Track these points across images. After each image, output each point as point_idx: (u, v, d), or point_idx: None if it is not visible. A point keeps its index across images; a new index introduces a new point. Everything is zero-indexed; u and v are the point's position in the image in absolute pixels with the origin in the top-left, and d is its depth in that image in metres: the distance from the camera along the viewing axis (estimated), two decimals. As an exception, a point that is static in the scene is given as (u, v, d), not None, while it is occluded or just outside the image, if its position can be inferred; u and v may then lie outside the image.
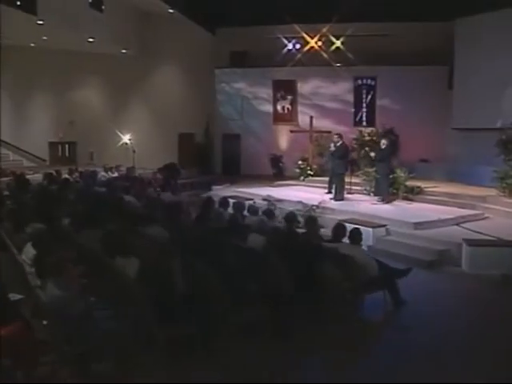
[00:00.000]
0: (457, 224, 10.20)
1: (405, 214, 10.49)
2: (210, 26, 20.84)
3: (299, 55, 19.94)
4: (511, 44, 16.37)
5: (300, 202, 11.28)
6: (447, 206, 12.04)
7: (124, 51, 20.84)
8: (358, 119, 20.25)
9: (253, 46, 20.05)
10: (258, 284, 5.08)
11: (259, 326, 4.96)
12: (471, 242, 8.29)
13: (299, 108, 20.71)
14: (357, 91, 20.22)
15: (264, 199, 12.16)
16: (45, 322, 4.21)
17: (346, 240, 6.57)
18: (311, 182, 16.66)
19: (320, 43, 19.84)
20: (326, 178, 16.95)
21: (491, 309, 6.47)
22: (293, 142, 20.13)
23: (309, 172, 17.36)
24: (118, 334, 4.29)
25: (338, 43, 19.63)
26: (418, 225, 9.60)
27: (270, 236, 6.01)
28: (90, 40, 18.22)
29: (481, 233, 9.41)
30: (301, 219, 10.80)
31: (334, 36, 19.62)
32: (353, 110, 20.25)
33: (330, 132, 18.16)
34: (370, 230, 9.35)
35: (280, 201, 11.94)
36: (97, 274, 4.80)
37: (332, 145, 12.62)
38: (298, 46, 20.16)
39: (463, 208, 11.79)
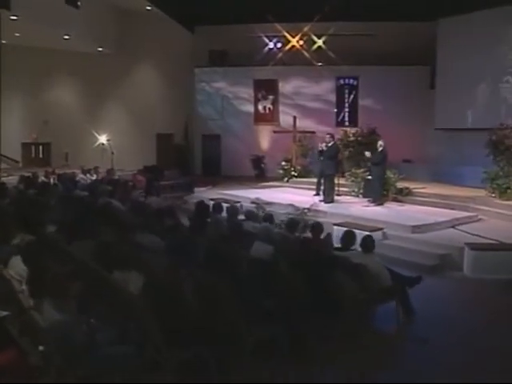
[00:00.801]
0: (452, 226, 10.00)
1: (400, 217, 10.25)
2: (189, 24, 20.38)
3: (280, 54, 19.69)
4: (493, 44, 16.41)
5: (291, 205, 10.92)
6: (438, 207, 11.87)
7: (100, 49, 20.21)
8: (340, 119, 20.09)
9: (233, 44, 19.65)
10: (270, 298, 4.69)
11: (274, 343, 4.58)
12: (474, 246, 8.06)
13: (281, 108, 20.42)
14: (339, 91, 20.04)
15: (252, 202, 11.76)
16: (41, 348, 3.76)
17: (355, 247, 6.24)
18: (296, 183, 16.35)
19: (302, 42, 19.62)
20: (311, 179, 16.80)
21: (505, 316, 6.22)
22: (274, 143, 19.81)
23: (293, 173, 17.06)
24: (123, 358, 3.86)
25: (319, 42, 19.43)
26: (415, 228, 9.34)
27: (278, 245, 5.61)
28: (66, 37, 17.56)
29: (479, 235, 9.21)
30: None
31: (316, 35, 19.43)
32: (335, 110, 20.06)
33: (313, 132, 18.00)
34: (367, 233, 9.01)
35: (269, 204, 11.54)
36: (96, 292, 4.35)
37: (323, 145, 12.28)
38: (279, 45, 19.89)
39: (454, 209, 11.63)
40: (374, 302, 5.48)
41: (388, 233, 9.32)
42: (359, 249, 6.20)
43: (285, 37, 19.65)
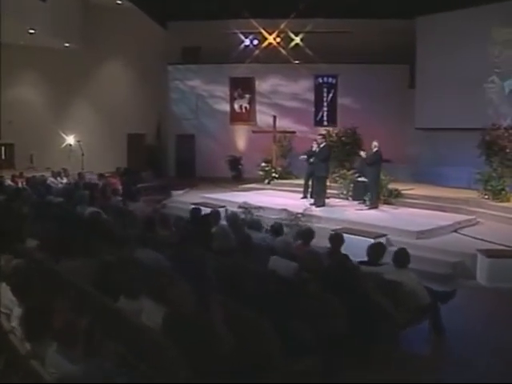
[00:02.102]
0: (455, 231, 9.58)
1: (399, 221, 9.75)
2: (162, 20, 19.56)
3: (257, 52, 19.12)
4: (475, 43, 16.21)
5: (285, 210, 10.29)
6: (431, 210, 11.48)
7: (67, 45, 19.14)
8: (318, 119, 19.62)
9: (207, 41, 18.96)
10: (306, 325, 4.06)
11: (312, 375, 3.95)
12: (490, 253, 7.60)
13: (257, 107, 19.83)
14: (317, 90, 19.59)
15: (240, 207, 11.06)
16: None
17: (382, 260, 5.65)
18: (278, 185, 15.76)
19: (279, 39, 19.13)
20: (293, 181, 16.28)
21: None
22: (252, 143, 19.20)
23: (274, 175, 16.43)
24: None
25: (297, 40, 18.99)
26: (420, 233, 8.86)
27: (302, 261, 4.95)
28: (31, 31, 16.49)
29: (484, 240, 8.80)
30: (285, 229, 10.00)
31: (293, 32, 18.99)
32: (313, 109, 19.57)
33: (294, 132, 17.45)
34: (372, 240, 8.46)
35: (258, 208, 10.88)
36: (105, 328, 3.62)
37: (315, 146, 11.70)
38: (255, 42, 19.35)
39: (447, 212, 11.25)
40: (411, 324, 4.90)
41: (392, 239, 8.79)
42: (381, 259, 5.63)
43: (261, 34, 19.11)
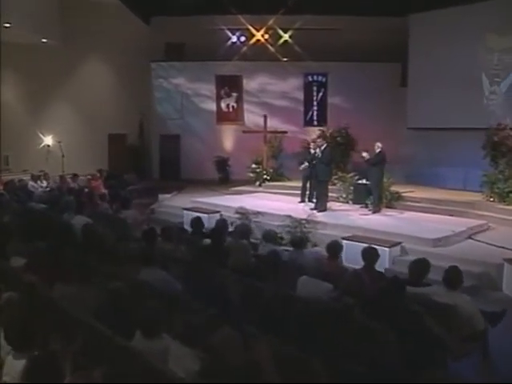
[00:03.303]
0: (469, 237, 9.04)
1: (412, 228, 9.14)
2: (145, 15, 18.71)
3: (244, 49, 18.45)
4: (466, 41, 15.82)
5: (289, 217, 9.61)
6: (438, 214, 10.96)
7: (45, 41, 18.14)
8: (308, 118, 19.05)
9: (192, 37, 18.24)
10: (356, 362, 3.40)
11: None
12: (520, 263, 7.06)
13: (245, 106, 19.16)
14: (307, 88, 19.01)
15: (237, 212, 10.37)
16: None
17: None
18: (270, 187, 15.11)
19: (267, 36, 18.50)
20: (285, 183, 15.67)
21: None
22: (239, 144, 18.51)
23: (265, 176, 15.76)
24: None
25: (285, 37, 18.40)
26: (437, 241, 8.28)
27: (345, 284, 4.27)
28: (6, 25, 15.46)
29: (505, 248, 8.26)
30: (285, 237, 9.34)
31: (282, 29, 18.38)
32: (303, 108, 18.99)
33: (285, 132, 16.81)
34: (387, 249, 7.92)
35: (257, 214, 10.20)
36: (124, 377, 2.89)
37: (317, 149, 11.03)
38: (242, 39, 18.70)
39: (455, 216, 10.75)
40: (466, 351, 4.27)
41: (407, 247, 8.20)
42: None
43: (249, 30, 18.44)
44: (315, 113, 19.01)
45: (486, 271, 7.35)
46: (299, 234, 6.07)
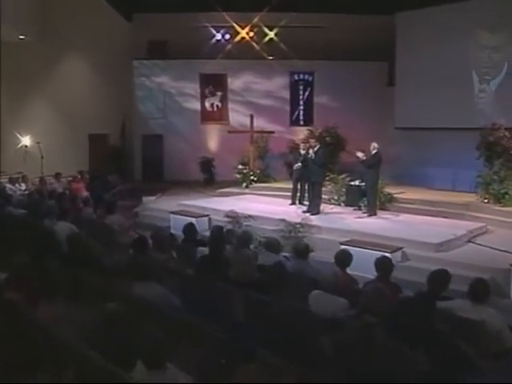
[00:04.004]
0: (469, 241, 8.76)
1: (412, 231, 8.80)
2: (126, 11, 18.17)
3: (229, 47, 18.03)
4: (455, 40, 15.65)
5: (283, 220, 9.22)
6: (433, 215, 10.70)
7: (22, 37, 17.47)
8: (294, 118, 18.72)
9: (176, 35, 17.75)
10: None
11: None
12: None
13: (230, 105, 18.74)
14: (293, 87, 18.68)
15: (227, 216, 9.94)
16: None
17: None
18: (257, 189, 14.71)
19: (252, 34, 18.14)
20: (273, 185, 15.29)
21: None
22: (224, 144, 18.09)
23: (252, 178, 15.35)
24: None
25: (271, 34, 18.07)
26: (439, 246, 7.96)
27: (356, 297, 3.87)
28: (-19, 21, 14.82)
29: (508, 252, 7.98)
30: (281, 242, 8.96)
31: (267, 26, 18.03)
32: (289, 107, 18.65)
33: (272, 132, 16.43)
34: (388, 255, 7.53)
35: (248, 218, 9.78)
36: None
37: (310, 149, 10.62)
38: (227, 37, 18.29)
39: (450, 218, 10.49)
40: (495, 368, 3.92)
41: (408, 252, 7.87)
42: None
43: (233, 28, 18.04)
44: (301, 112, 18.69)
45: (493, 277, 7.04)
46: (303, 241, 5.61)
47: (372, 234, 8.59)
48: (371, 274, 6.71)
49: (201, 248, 6.16)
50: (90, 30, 17.96)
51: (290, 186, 13.39)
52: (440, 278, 4.64)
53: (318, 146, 10.56)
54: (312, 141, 10.79)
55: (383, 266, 4.98)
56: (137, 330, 3.19)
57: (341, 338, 3.42)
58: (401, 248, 7.84)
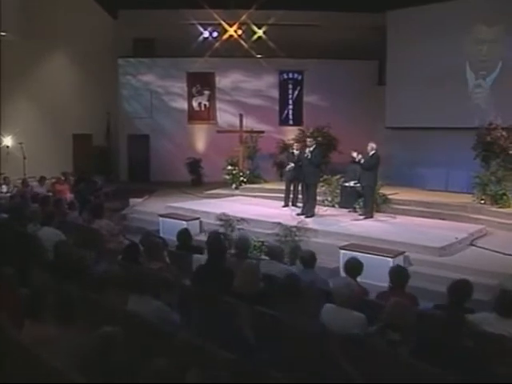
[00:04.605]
0: (471, 244, 8.49)
1: (412, 235, 8.45)
2: (111, 8, 17.72)
3: (217, 45, 17.63)
4: (447, 38, 15.47)
5: (279, 224, 8.87)
6: (430, 217, 10.44)
7: (3, 34, 16.85)
8: (283, 118, 18.42)
9: (162, 32, 17.46)
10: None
11: None
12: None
13: (218, 105, 18.41)
14: (282, 86, 18.40)
15: (220, 219, 9.57)
16: None
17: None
18: (248, 190, 14.34)
19: (240, 32, 17.74)
20: (264, 186, 14.94)
21: None
22: (212, 144, 17.77)
23: (241, 179, 14.98)
24: None
25: (260, 32, 17.72)
26: (442, 250, 7.67)
27: (389, 316, 3.50)
28: (-40, 17, 14.26)
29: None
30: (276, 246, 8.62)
31: (256, 24, 17.67)
32: (278, 107, 18.35)
33: (262, 132, 16.07)
34: (390, 260, 7.25)
35: (241, 221, 9.42)
36: None
37: (306, 149, 10.25)
38: (215, 35, 17.94)
39: (448, 220, 10.25)
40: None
41: (411, 257, 7.57)
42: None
43: (221, 25, 17.65)
44: (291, 112, 18.44)
45: (502, 283, 6.77)
46: (308, 249, 5.24)
47: (371, 237, 8.27)
48: (372, 279, 6.43)
49: (196, 255, 5.78)
50: (75, 27, 17.37)
51: (282, 187, 13.07)
52: (461, 289, 4.32)
53: (314, 146, 10.17)
54: (309, 139, 10.38)
55: (398, 275, 4.65)
56: (136, 356, 2.82)
57: (363, 357, 3.08)
58: (403, 252, 7.54)
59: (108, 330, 2.96)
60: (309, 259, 5.01)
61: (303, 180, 10.22)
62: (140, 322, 3.69)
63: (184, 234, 6.20)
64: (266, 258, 5.94)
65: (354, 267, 4.89)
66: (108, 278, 4.48)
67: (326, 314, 3.83)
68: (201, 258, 5.59)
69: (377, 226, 9.26)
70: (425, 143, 16.03)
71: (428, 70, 15.84)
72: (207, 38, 17.86)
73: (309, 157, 9.95)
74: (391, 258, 7.22)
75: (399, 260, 7.41)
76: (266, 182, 15.55)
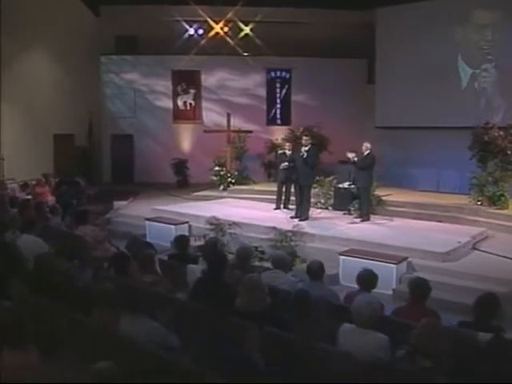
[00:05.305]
0: (473, 247, 8.16)
1: (414, 239, 8.04)
2: (93, 4, 17.18)
3: (203, 42, 17.20)
4: (437, 36, 15.24)
5: (274, 228, 8.44)
6: (427, 220, 10.13)
7: (-22, 31, 16.21)
8: (271, 117, 18.04)
9: (146, 29, 16.98)
10: None
11: None
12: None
13: (204, 104, 17.96)
14: (270, 85, 18.04)
15: (211, 223, 9.13)
16: None
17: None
18: (236, 192, 13.90)
19: (226, 29, 17.37)
20: (253, 187, 14.53)
21: None
22: (198, 144, 17.33)
23: (229, 180, 14.54)
24: None
25: (246, 30, 17.32)
26: (446, 255, 7.31)
27: (418, 342, 3.08)
28: None
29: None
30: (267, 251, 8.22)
31: (243, 21, 17.31)
32: (265, 106, 17.97)
33: (250, 132, 15.65)
34: (393, 266, 6.88)
35: (232, 225, 8.98)
36: None
37: (302, 148, 9.80)
38: (200, 32, 17.53)
39: (445, 222, 9.95)
40: None
41: (414, 262, 7.20)
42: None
43: (207, 22, 17.23)
44: (278, 111, 18.10)
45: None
46: (316, 259, 4.81)
47: (371, 242, 7.89)
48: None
49: (190, 266, 5.32)
50: (55, 24, 16.77)
51: (271, 188, 12.70)
52: (488, 304, 3.94)
53: (309, 145, 9.71)
54: (305, 138, 9.93)
55: (420, 289, 4.22)
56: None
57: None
58: (406, 258, 7.17)
59: (101, 367, 2.51)
60: (317, 270, 4.58)
61: (297, 181, 9.79)
62: (135, 349, 3.23)
63: (182, 241, 5.74)
64: (269, 267, 5.50)
65: (369, 280, 4.48)
66: (96, 295, 4.01)
67: (345, 335, 3.41)
68: (196, 269, 5.15)
69: (375, 230, 8.88)
70: (415, 143, 15.79)
71: (418, 69, 15.59)
72: (192, 35, 17.45)
73: (304, 156, 9.52)
74: (395, 264, 6.85)
75: (403, 266, 7.06)
76: (254, 183, 15.16)
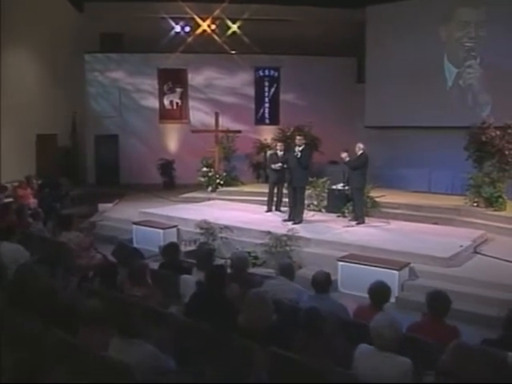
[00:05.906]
0: (475, 251, 7.89)
1: (414, 243, 7.68)
2: (77, 1, 16.70)
3: (189, 40, 16.83)
4: (428, 34, 15.10)
5: (268, 233, 8.09)
6: (423, 222, 9.87)
7: (-43, 28, 15.64)
8: (259, 116, 17.73)
9: (131, 26, 16.61)
10: None
11: None
12: None
13: (191, 103, 17.59)
14: (258, 84, 17.75)
15: (201, 227, 8.76)
16: None
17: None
18: (225, 193, 13.52)
19: (213, 27, 17.01)
20: (243, 189, 14.16)
21: None
22: (185, 144, 16.99)
23: (218, 181, 14.15)
24: None
25: (234, 27, 17.04)
26: (449, 260, 7.01)
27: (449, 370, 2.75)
28: None
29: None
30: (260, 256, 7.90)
31: (230, 19, 16.98)
32: (254, 105, 17.63)
33: (239, 132, 15.28)
34: (396, 272, 6.57)
35: (224, 229, 8.63)
36: None
37: (296, 148, 9.41)
38: (187, 29, 17.21)
39: (441, 224, 9.69)
40: None
41: (416, 268, 6.90)
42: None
43: (194, 19, 16.87)
44: (267, 110, 17.82)
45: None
46: (322, 270, 4.43)
47: (370, 246, 7.57)
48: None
49: (184, 276, 4.96)
50: (37, 21, 16.24)
51: (261, 189, 12.39)
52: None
53: (303, 146, 9.33)
54: (298, 137, 9.55)
55: (439, 303, 3.88)
56: None
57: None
58: (408, 264, 6.86)
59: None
60: (323, 282, 4.22)
61: (290, 183, 9.43)
62: (127, 375, 2.86)
63: (171, 250, 5.37)
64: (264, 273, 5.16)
65: (382, 292, 4.12)
66: (83, 313, 3.63)
67: (362, 357, 3.07)
68: (190, 280, 4.79)
69: (372, 234, 8.56)
70: (406, 143, 15.62)
71: (408, 68, 15.45)
72: (179, 32, 17.09)
73: (298, 156, 9.16)
74: (397, 270, 6.54)
75: (405, 272, 6.76)
76: (243, 184, 14.79)
